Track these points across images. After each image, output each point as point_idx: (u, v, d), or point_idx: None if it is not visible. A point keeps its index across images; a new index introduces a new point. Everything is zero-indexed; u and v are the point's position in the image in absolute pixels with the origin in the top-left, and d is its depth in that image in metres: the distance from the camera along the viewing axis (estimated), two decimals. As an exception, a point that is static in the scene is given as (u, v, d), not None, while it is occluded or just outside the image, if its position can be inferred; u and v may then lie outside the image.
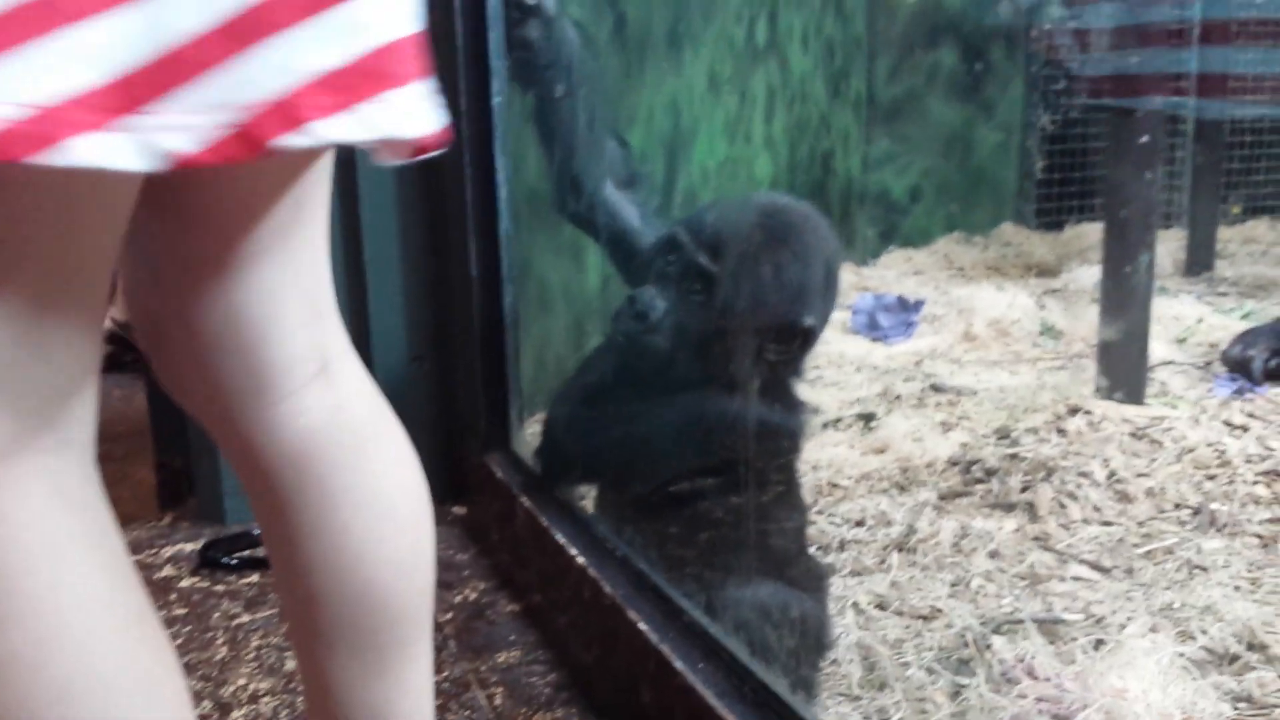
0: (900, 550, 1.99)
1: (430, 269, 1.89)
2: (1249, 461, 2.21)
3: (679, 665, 1.03)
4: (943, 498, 2.21)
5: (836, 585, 1.87)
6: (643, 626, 1.11)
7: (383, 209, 1.90)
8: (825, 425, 2.69)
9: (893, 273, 4.61)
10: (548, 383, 1.73)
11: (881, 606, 1.81)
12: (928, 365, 3.24)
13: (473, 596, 1.59)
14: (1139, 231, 2.50)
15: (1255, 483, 2.12)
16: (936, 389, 2.93)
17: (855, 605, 1.81)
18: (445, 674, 1.39)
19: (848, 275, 4.44)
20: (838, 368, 3.26)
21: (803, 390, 1.57)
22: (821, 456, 2.48)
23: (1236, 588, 1.76)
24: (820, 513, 2.21)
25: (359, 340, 1.97)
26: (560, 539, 1.34)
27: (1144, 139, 2.48)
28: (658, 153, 3.11)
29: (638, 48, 2.95)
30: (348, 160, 1.87)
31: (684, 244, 1.45)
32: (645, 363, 1.43)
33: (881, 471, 2.39)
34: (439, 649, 1.47)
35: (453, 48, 1.64)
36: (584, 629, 1.27)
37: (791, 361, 1.51)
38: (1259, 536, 1.95)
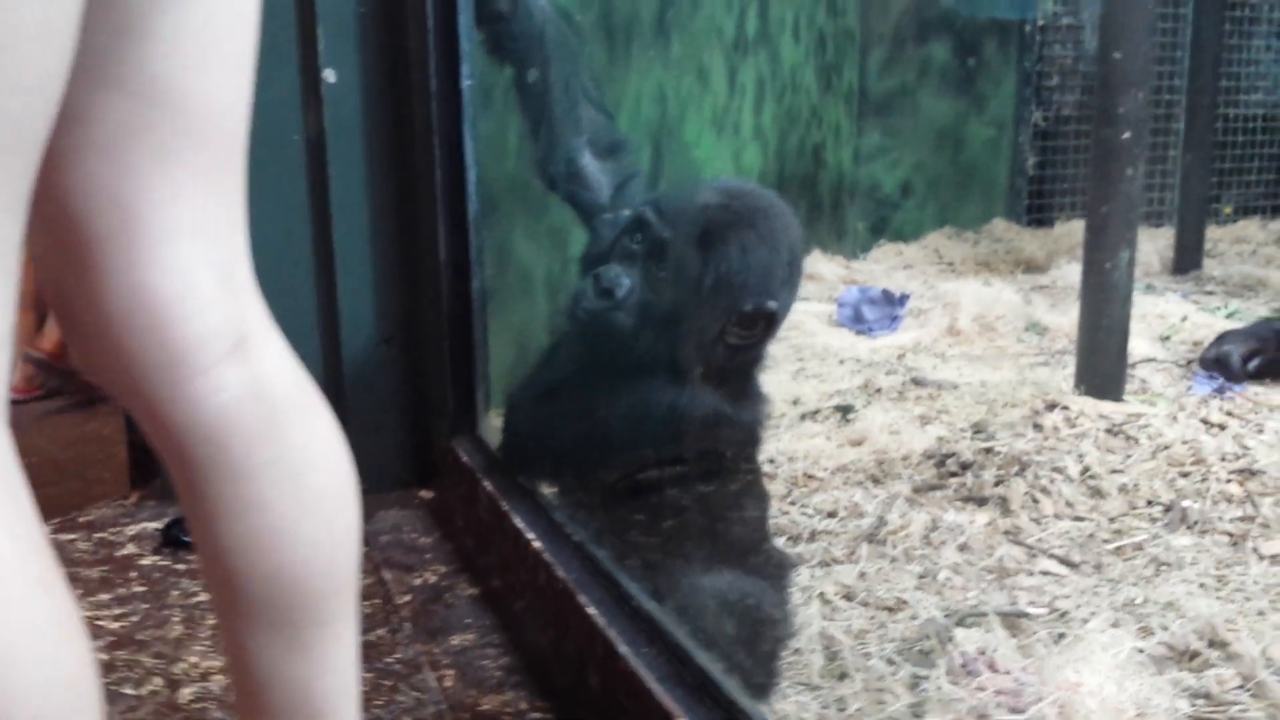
0: (870, 542, 1.99)
1: (400, 252, 1.88)
2: (1224, 460, 2.21)
3: (624, 650, 1.03)
4: (917, 490, 2.21)
5: (804, 575, 1.87)
6: (592, 611, 1.11)
7: (352, 192, 1.89)
8: (804, 417, 2.69)
9: (882, 266, 4.61)
10: (520, 368, 1.73)
11: (848, 597, 1.80)
12: (911, 359, 3.23)
13: (432, 579, 1.59)
14: (1120, 228, 2.50)
15: (1228, 481, 2.12)
16: (917, 383, 2.92)
17: (822, 595, 1.80)
18: (397, 655, 1.40)
19: (837, 268, 4.43)
20: (821, 360, 3.26)
21: (764, 380, 1.56)
22: (798, 448, 2.48)
23: (1202, 585, 1.76)
24: (793, 503, 2.20)
25: (328, 322, 1.97)
26: (519, 524, 1.34)
27: (1126, 135, 2.46)
28: (644, 141, 3.11)
29: (625, 35, 2.94)
30: (317, 143, 1.87)
31: (650, 223, 1.44)
32: (608, 342, 1.43)
33: (857, 463, 2.38)
34: (394, 631, 1.48)
35: (423, 30, 1.64)
36: (539, 613, 1.27)
37: (754, 347, 1.50)
38: (1229, 534, 1.94)
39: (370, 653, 1.44)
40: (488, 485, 1.47)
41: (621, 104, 2.95)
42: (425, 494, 1.90)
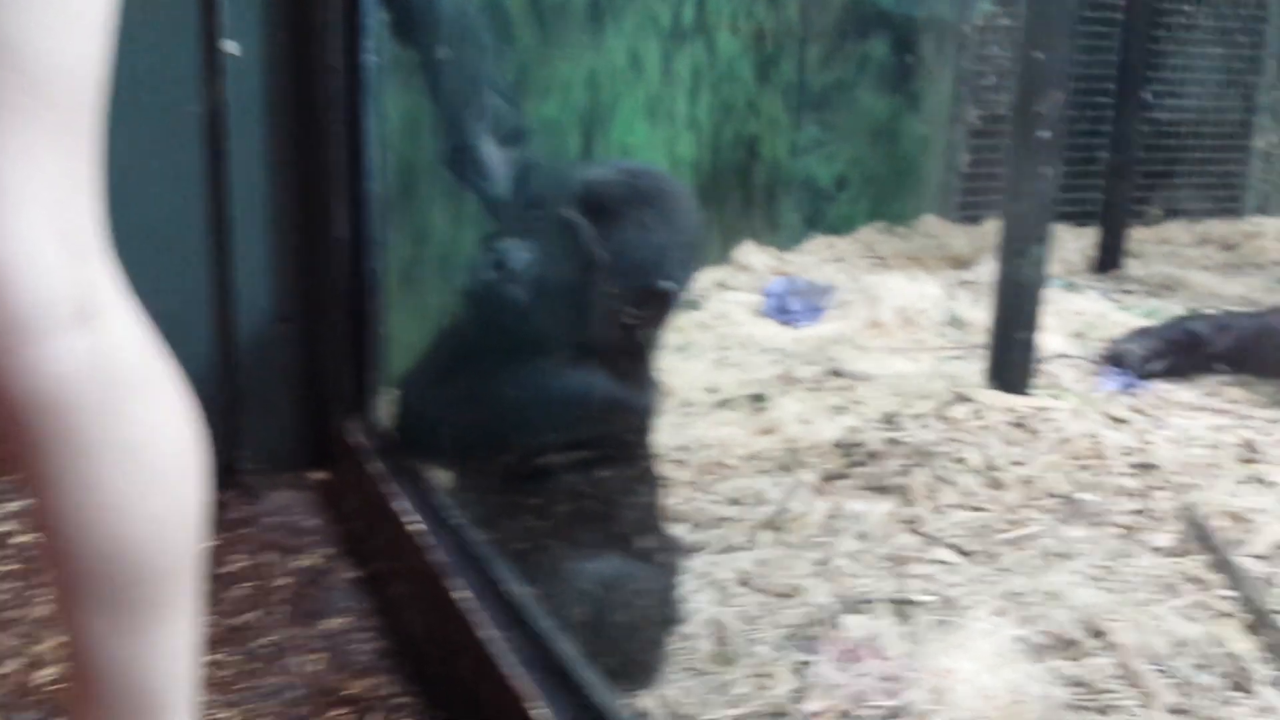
0: (770, 529, 2.00)
1: (301, 230, 1.86)
2: (1124, 454, 2.25)
3: (489, 634, 1.03)
4: (823, 479, 2.23)
5: (702, 562, 1.88)
6: (461, 595, 1.10)
7: (251, 167, 1.86)
8: (718, 405, 2.70)
9: (814, 259, 4.63)
10: (417, 349, 1.72)
11: (744, 583, 1.81)
12: (832, 350, 3.26)
13: (314, 562, 1.58)
14: (1033, 225, 2.53)
15: (1125, 474, 2.17)
16: (836, 373, 2.95)
17: (718, 581, 1.82)
18: (268, 638, 1.39)
19: (769, 259, 4.45)
20: (744, 349, 3.28)
21: (657, 365, 1.57)
22: (710, 435, 2.49)
23: (1090, 576, 1.79)
24: (700, 491, 2.21)
25: (223, 300, 1.94)
26: (399, 507, 1.33)
27: (1044, 134, 2.50)
28: (575, 128, 3.10)
29: (556, 20, 2.93)
30: (216, 116, 1.83)
31: (548, 199, 1.44)
32: (501, 316, 1.42)
33: (767, 452, 2.40)
34: (267, 614, 1.47)
35: (324, 4, 1.61)
36: (414, 597, 1.27)
37: (648, 327, 1.50)
38: (1121, 526, 1.98)
39: (240, 636, 1.43)
40: (374, 468, 1.46)
41: (551, 90, 2.94)
42: (318, 476, 1.89)
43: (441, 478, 1.51)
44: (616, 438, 1.55)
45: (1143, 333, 2.99)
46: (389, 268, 1.81)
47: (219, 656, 1.39)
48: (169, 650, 0.91)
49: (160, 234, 1.80)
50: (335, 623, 1.40)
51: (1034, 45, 2.44)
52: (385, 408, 1.68)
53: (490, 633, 1.03)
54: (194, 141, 1.86)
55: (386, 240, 1.64)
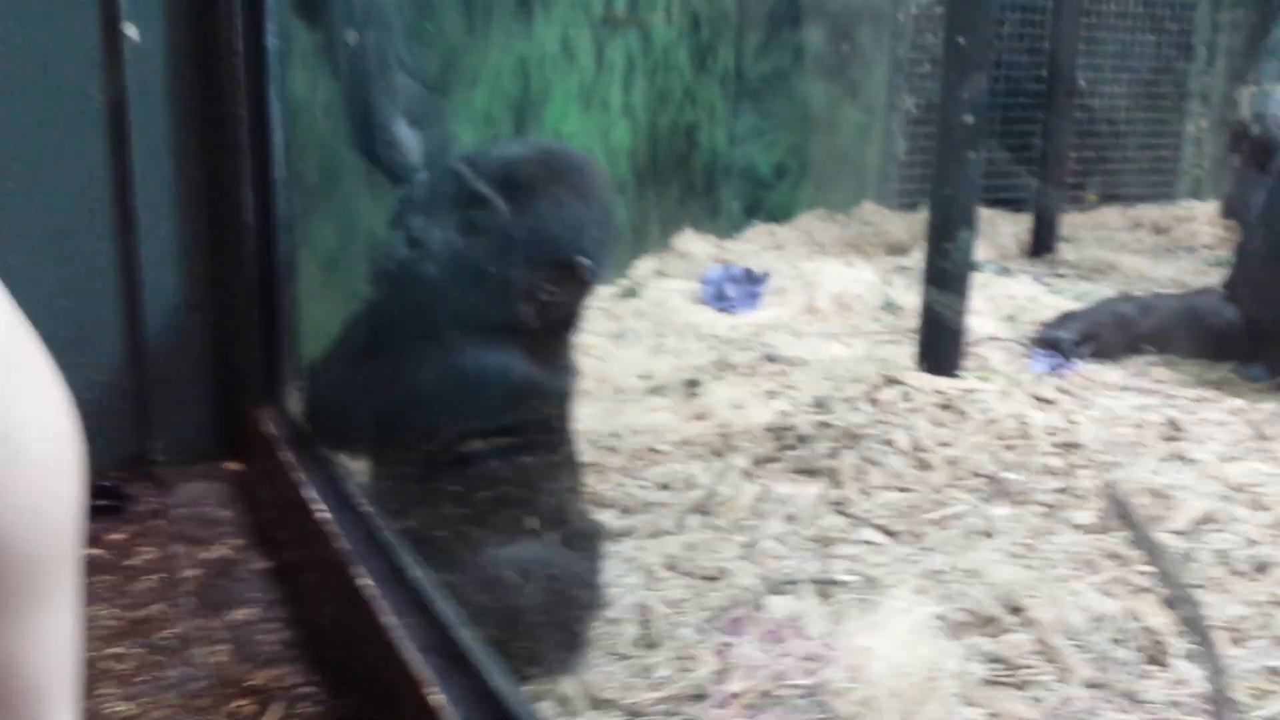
0: (699, 513, 2.00)
1: (208, 216, 1.82)
2: (1049, 434, 2.28)
3: (390, 621, 1.01)
4: (754, 463, 2.23)
5: (629, 547, 1.87)
6: (365, 583, 1.09)
7: (156, 153, 1.82)
8: (651, 391, 2.69)
9: (754, 246, 4.64)
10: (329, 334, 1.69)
11: (671, 567, 1.81)
12: (768, 336, 3.27)
13: (224, 553, 1.55)
14: (961, 209, 2.55)
15: (1050, 453, 2.19)
16: (770, 359, 2.96)
17: (645, 566, 1.81)
18: (172, 630, 1.36)
19: (708, 247, 4.45)
20: (681, 336, 3.27)
21: (576, 346, 1.55)
22: (643, 421, 2.48)
23: (1011, 554, 1.81)
24: (631, 476, 2.20)
25: (130, 288, 1.90)
26: (308, 495, 1.31)
27: (968, 118, 2.52)
28: (505, 115, 3.07)
29: (484, 6, 2.90)
30: (118, 103, 1.79)
31: (462, 176, 1.42)
32: (415, 296, 1.40)
33: (700, 437, 2.40)
34: (173, 605, 1.44)
35: (228, -14, 1.58)
36: (322, 587, 1.25)
37: (566, 306, 1.49)
38: (1045, 504, 2.00)
39: (143, 628, 1.40)
40: (286, 457, 1.43)
41: (480, 76, 2.91)
42: (232, 466, 1.85)
43: (355, 466, 1.49)
44: (537, 423, 1.53)
45: (1070, 315, 3.03)
46: (306, 254, 1.78)
47: (120, 649, 1.36)
48: (47, 643, 0.87)
49: (63, 223, 1.76)
50: (242, 614, 1.38)
51: (956, 30, 2.46)
52: (298, 395, 1.66)
53: (393, 620, 1.01)
54: (96, 128, 1.81)
55: (296, 225, 1.61)
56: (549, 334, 1.51)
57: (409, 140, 1.55)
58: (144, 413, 1.86)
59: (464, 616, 1.03)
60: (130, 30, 1.76)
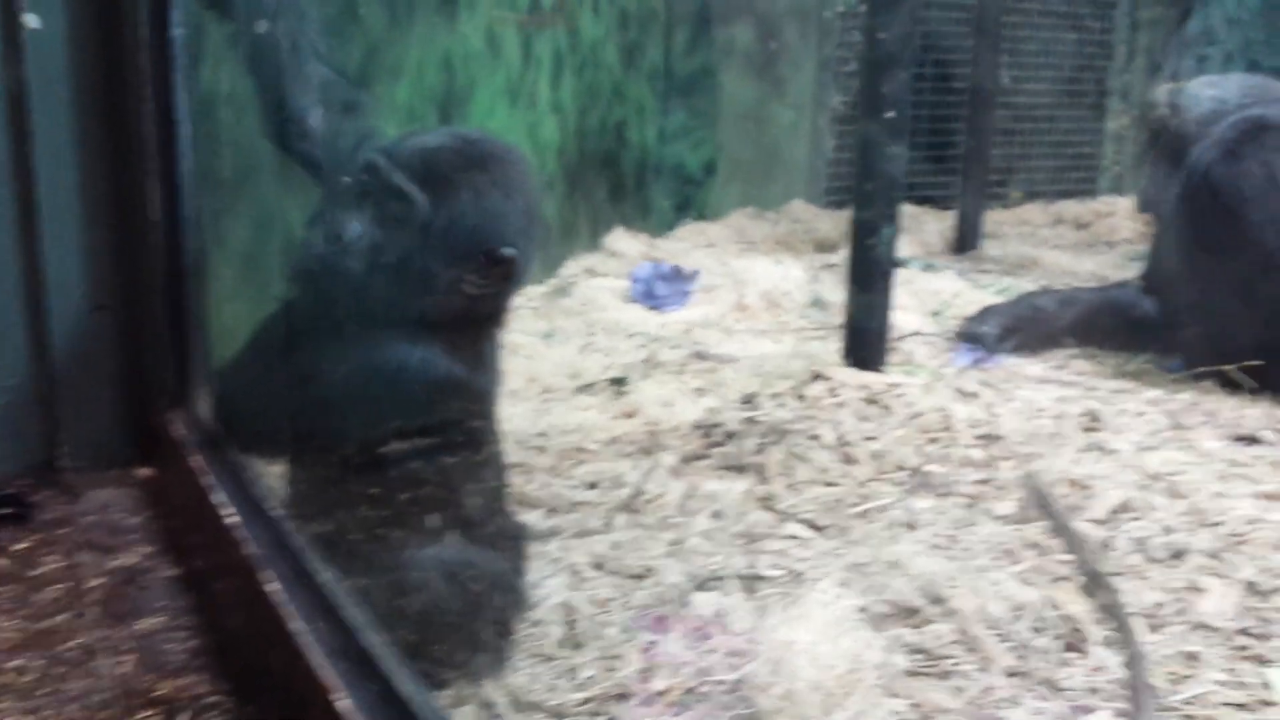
0: (627, 512, 1.99)
1: (115, 214, 1.76)
2: (971, 426, 2.30)
3: (298, 626, 0.99)
4: (683, 460, 2.23)
5: (556, 547, 1.86)
6: (272, 588, 1.06)
7: (59, 148, 1.75)
8: (578, 390, 2.68)
9: (685, 244, 4.65)
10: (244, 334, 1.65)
11: (598, 567, 1.80)
12: (697, 334, 3.27)
13: (132, 561, 1.51)
14: (882, 205, 2.57)
15: (972, 446, 2.21)
16: (699, 356, 2.96)
17: (571, 566, 1.79)
18: (77, 641, 1.32)
19: (640, 245, 4.45)
20: (610, 335, 3.27)
21: (501, 341, 1.53)
22: (571, 420, 2.47)
23: (934, 545, 1.82)
24: (559, 476, 2.19)
25: (32, 289, 1.84)
26: (218, 500, 1.27)
27: (890, 114, 2.54)
28: (429, 110, 3.03)
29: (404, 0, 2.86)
30: (18, 96, 1.72)
31: (379, 168, 1.39)
32: (336, 292, 1.37)
33: (629, 435, 2.39)
34: (78, 616, 1.39)
35: (130, -25, 1.53)
36: (231, 593, 1.22)
37: (492, 299, 1.46)
38: (967, 496, 2.03)
39: (47, 639, 1.35)
40: (196, 461, 1.39)
41: (403, 70, 2.87)
42: (143, 472, 1.80)
43: (270, 469, 1.46)
44: (460, 421, 1.51)
45: (990, 310, 3.07)
46: (222, 251, 1.74)
47: (21, 661, 1.31)
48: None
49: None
50: (150, 623, 1.34)
51: (877, 26, 2.47)
52: (210, 398, 1.62)
53: (300, 625, 0.99)
54: (-5, 121, 1.74)
55: (211, 222, 1.56)
56: (474, 329, 1.49)
57: (327, 130, 1.52)
58: (50, 418, 1.79)
59: (375, 620, 1.01)
60: (30, 19, 1.69)
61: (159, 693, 1.19)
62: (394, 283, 1.41)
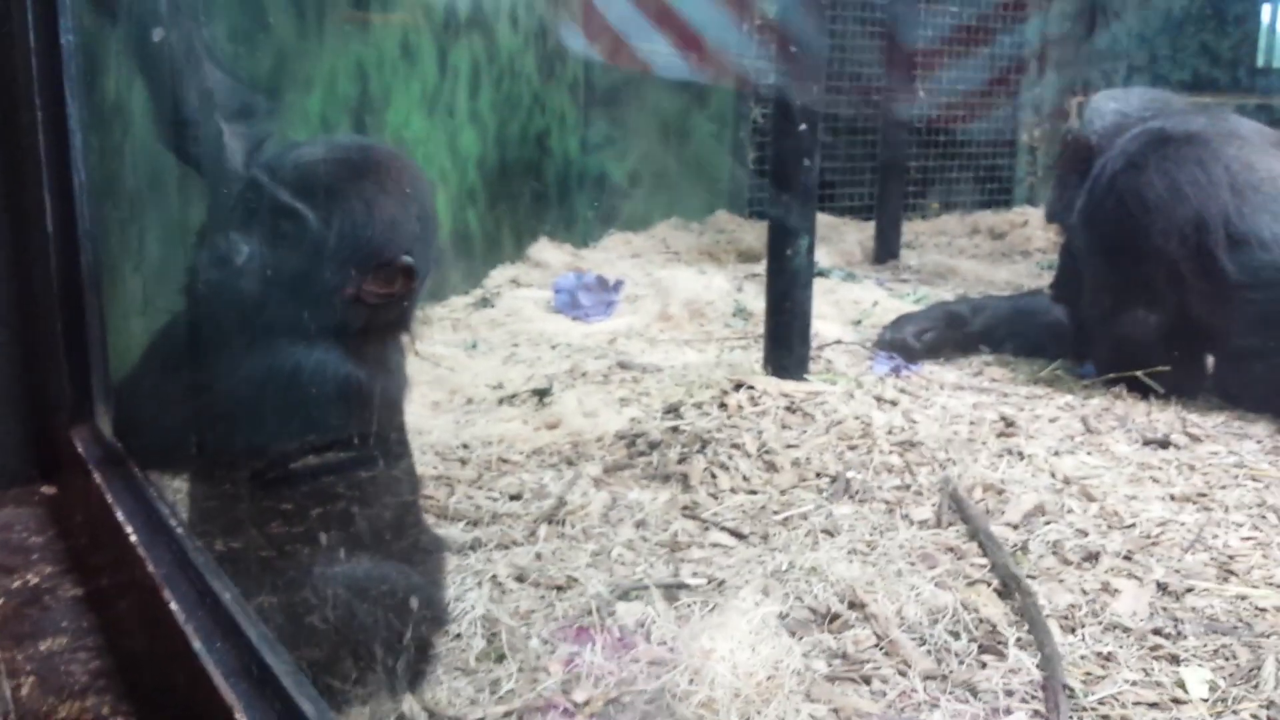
0: (550, 523, 1.98)
1: (5, 227, 1.68)
2: (890, 433, 2.33)
3: (198, 646, 0.96)
4: (606, 471, 2.22)
5: (477, 559, 1.84)
6: (175, 607, 1.03)
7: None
8: (501, 401, 2.66)
9: (610, 255, 4.66)
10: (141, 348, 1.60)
11: (520, 579, 1.78)
12: (622, 344, 3.27)
13: (34, 581, 1.46)
14: (799, 216, 2.60)
15: (891, 452, 2.24)
16: (623, 366, 2.96)
17: (494, 578, 1.78)
18: (-29, 665, 1.26)
19: (564, 256, 4.44)
20: (534, 346, 3.25)
21: (405, 352, 1.50)
22: (494, 432, 2.45)
23: (853, 551, 1.84)
24: (480, 488, 2.17)
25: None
26: (120, 517, 1.23)
27: (802, 127, 2.57)
28: (343, 119, 2.99)
29: (316, 9, 2.81)
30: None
31: (264, 184, 1.36)
32: (230, 314, 1.34)
33: (552, 446, 2.37)
34: (-28, 639, 1.34)
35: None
36: (135, 612, 1.18)
37: (393, 308, 1.44)
38: (886, 502, 2.05)
39: (-60, 665, 1.30)
40: (99, 478, 1.35)
41: (315, 79, 2.83)
42: (45, 489, 1.74)
43: (175, 485, 1.41)
44: (368, 433, 1.48)
45: (904, 318, 3.12)
46: (128, 263, 1.68)
47: (-86, 688, 1.25)
48: None
49: None
50: (51, 644, 1.29)
51: (790, 40, 2.50)
52: (111, 413, 1.57)
53: (200, 644, 0.96)
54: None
55: (113, 233, 1.51)
56: (378, 339, 1.46)
57: (226, 139, 1.48)
58: (-53, 437, 1.72)
59: (282, 638, 0.98)
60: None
61: (60, 715, 1.15)
62: (290, 297, 1.38)
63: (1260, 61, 6.03)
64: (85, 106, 1.51)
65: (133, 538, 1.14)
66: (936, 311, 3.15)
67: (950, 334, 3.04)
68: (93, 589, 1.39)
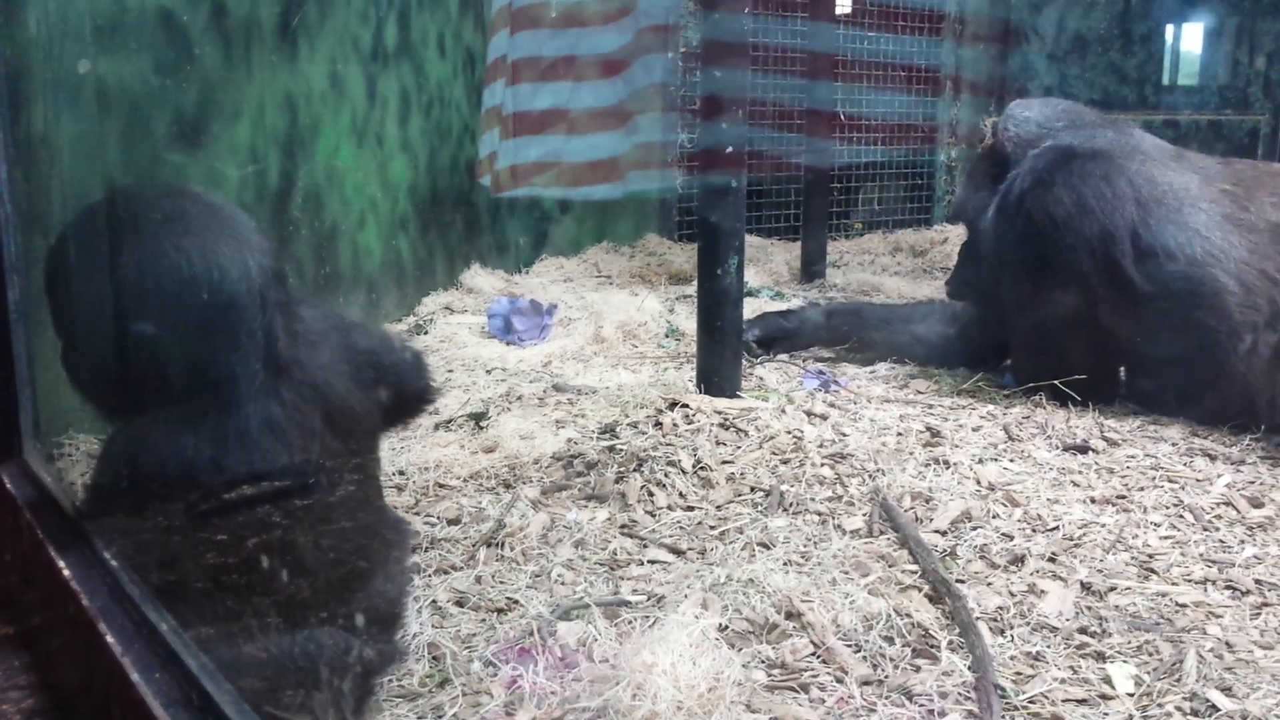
0: (489, 546, 1.99)
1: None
2: (821, 446, 2.38)
3: (136, 677, 0.96)
4: (544, 492, 2.23)
5: (418, 585, 1.84)
6: (111, 640, 1.02)
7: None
8: (437, 427, 2.66)
9: (543, 280, 4.68)
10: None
11: (460, 603, 1.79)
12: (556, 366, 3.29)
13: (-37, 622, 1.43)
14: (728, 236, 2.65)
15: (822, 465, 2.29)
16: (558, 388, 2.98)
17: (434, 603, 1.78)
18: (-99, 708, 1.24)
19: (497, 282, 4.46)
20: (469, 371, 3.25)
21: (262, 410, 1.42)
22: (430, 457, 2.45)
23: (788, 562, 1.88)
24: (418, 513, 2.17)
25: None
26: (54, 553, 1.22)
27: (729, 149, 2.62)
28: (271, 151, 2.98)
29: (243, 39, 2.81)
30: None
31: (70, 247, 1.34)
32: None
33: (490, 470, 2.38)
34: (-97, 681, 1.31)
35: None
36: (70, 648, 1.17)
37: (226, 359, 1.33)
38: (819, 513, 2.09)
39: None
40: (28, 515, 1.33)
41: (242, 111, 2.82)
42: (-25, 528, 1.71)
43: (110, 521, 1.40)
44: (303, 464, 1.47)
45: (752, 320, 3.33)
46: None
47: None
48: None
49: None
50: (-18, 685, 1.27)
51: (713, 64, 2.56)
52: (41, 449, 1.55)
53: (140, 675, 0.96)
54: None
55: (34, 266, 1.49)
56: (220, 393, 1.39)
57: None
58: None
59: (219, 667, 0.99)
60: None
61: (-5, 757, 1.13)
62: (117, 383, 1.35)
63: (1165, 80, 6.26)
64: (10, 138, 1.49)
65: (66, 572, 1.14)
66: (791, 313, 3.33)
67: (799, 336, 3.26)
68: (24, 627, 1.37)
